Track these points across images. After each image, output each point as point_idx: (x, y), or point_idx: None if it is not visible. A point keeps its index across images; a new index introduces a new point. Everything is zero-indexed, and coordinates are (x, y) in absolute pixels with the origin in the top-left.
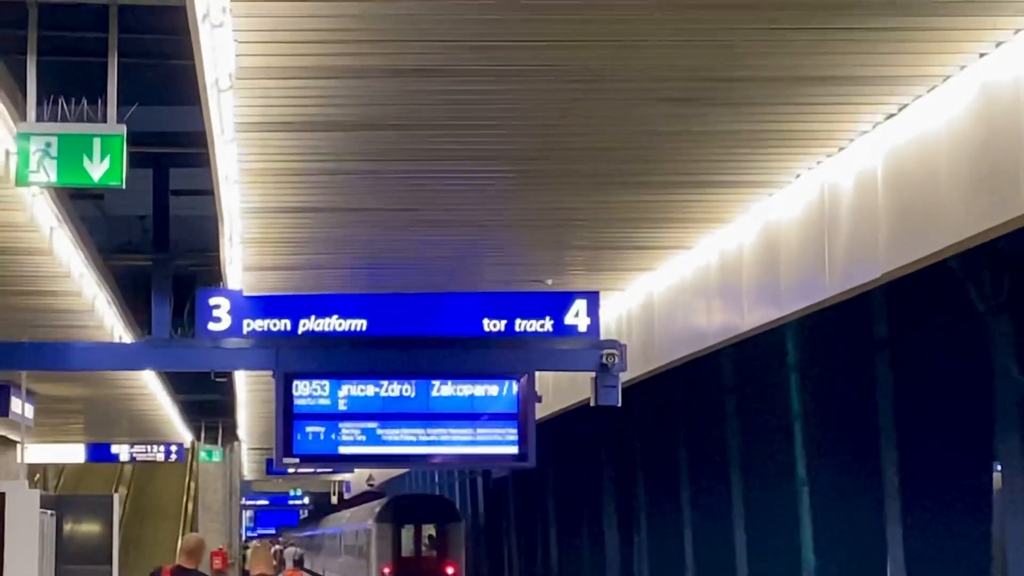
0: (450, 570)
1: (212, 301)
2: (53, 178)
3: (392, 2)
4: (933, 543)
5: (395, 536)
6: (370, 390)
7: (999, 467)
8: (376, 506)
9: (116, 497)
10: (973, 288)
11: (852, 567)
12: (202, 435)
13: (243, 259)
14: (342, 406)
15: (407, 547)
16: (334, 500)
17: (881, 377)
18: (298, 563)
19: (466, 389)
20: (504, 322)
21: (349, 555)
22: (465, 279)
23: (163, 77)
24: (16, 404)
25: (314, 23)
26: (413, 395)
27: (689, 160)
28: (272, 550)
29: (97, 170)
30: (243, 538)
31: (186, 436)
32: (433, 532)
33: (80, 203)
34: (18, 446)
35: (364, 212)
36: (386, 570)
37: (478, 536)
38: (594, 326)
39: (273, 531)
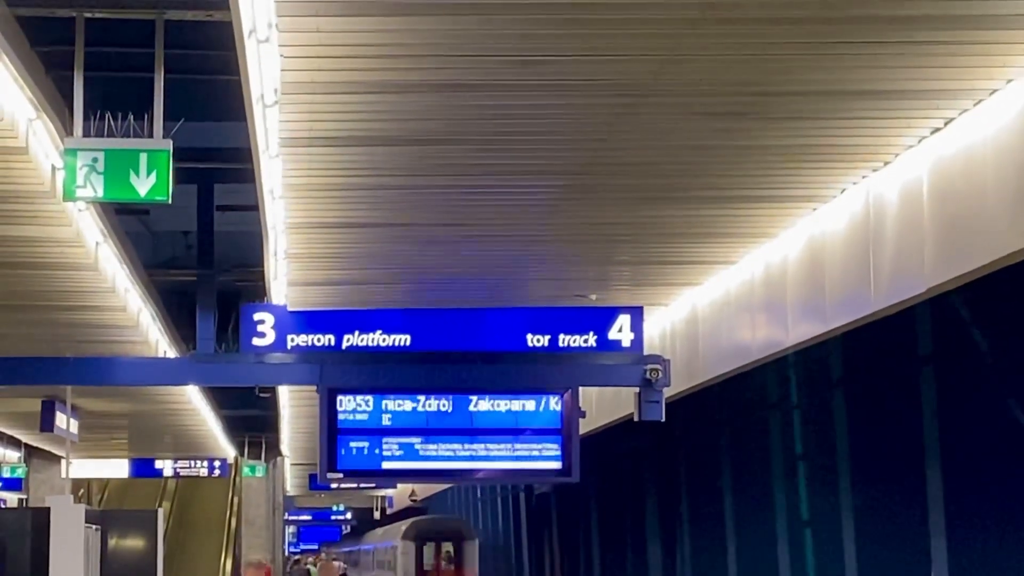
0: None
1: (256, 316)
2: (100, 193)
3: (437, 16)
4: (977, 557)
5: (418, 552)
6: (414, 405)
7: None
8: (402, 526)
9: (160, 512)
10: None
11: None
12: (245, 450)
13: (287, 274)
14: (386, 421)
15: (428, 562)
16: (376, 515)
17: (925, 393)
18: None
19: (509, 404)
20: (548, 337)
21: (380, 569)
22: (509, 294)
23: (209, 92)
24: (61, 419)
25: (359, 38)
26: (456, 410)
27: (734, 175)
28: (337, 567)
29: (143, 185)
30: (286, 553)
31: (229, 451)
32: (451, 549)
33: (125, 218)
34: (63, 461)
35: (408, 227)
36: None
37: (520, 551)
38: (638, 341)
39: (316, 547)
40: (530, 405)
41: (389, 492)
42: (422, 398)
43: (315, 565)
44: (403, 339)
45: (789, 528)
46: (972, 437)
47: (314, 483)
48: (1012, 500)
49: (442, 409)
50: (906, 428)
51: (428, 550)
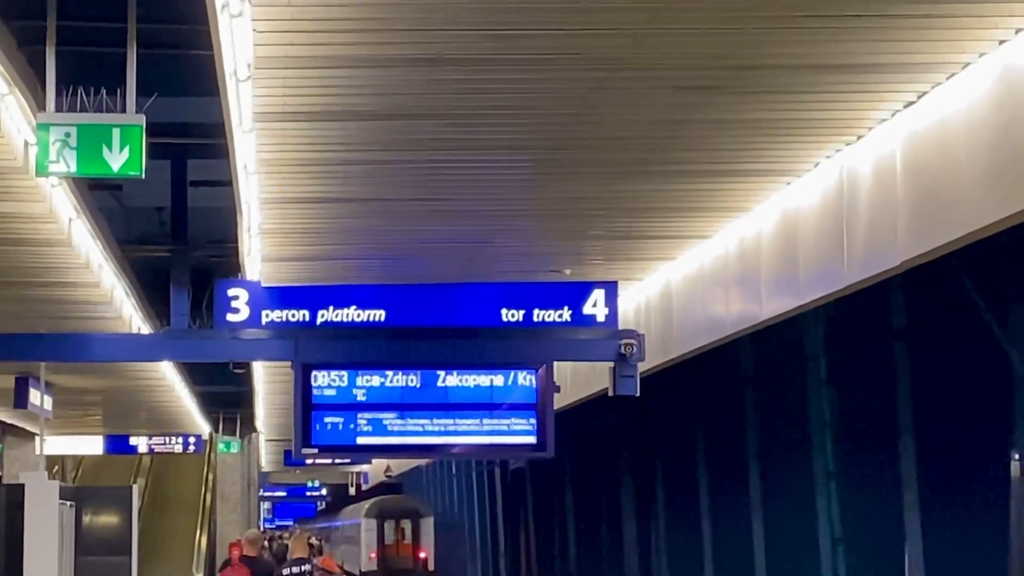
0: (422, 554)
1: (231, 292)
2: (73, 168)
3: None
4: (951, 531)
5: (380, 529)
6: (388, 380)
7: (1016, 456)
8: (366, 505)
9: (135, 488)
10: (992, 276)
11: (870, 557)
12: (220, 427)
13: (261, 250)
14: (360, 397)
15: (389, 537)
16: (352, 492)
17: (899, 367)
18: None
19: (484, 379)
20: (522, 312)
21: (347, 543)
22: (483, 269)
23: (182, 68)
24: (35, 396)
25: (333, 12)
26: (430, 386)
27: (708, 149)
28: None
29: (116, 160)
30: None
31: (204, 428)
32: (408, 525)
33: (98, 194)
34: (37, 438)
35: (382, 202)
36: (372, 555)
37: (495, 526)
38: (612, 316)
39: (291, 522)
40: (505, 380)
41: (364, 468)
42: (397, 374)
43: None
44: (378, 314)
45: (763, 501)
46: (946, 409)
47: (289, 459)
48: (985, 471)
49: (416, 384)
50: (881, 401)
51: (388, 526)
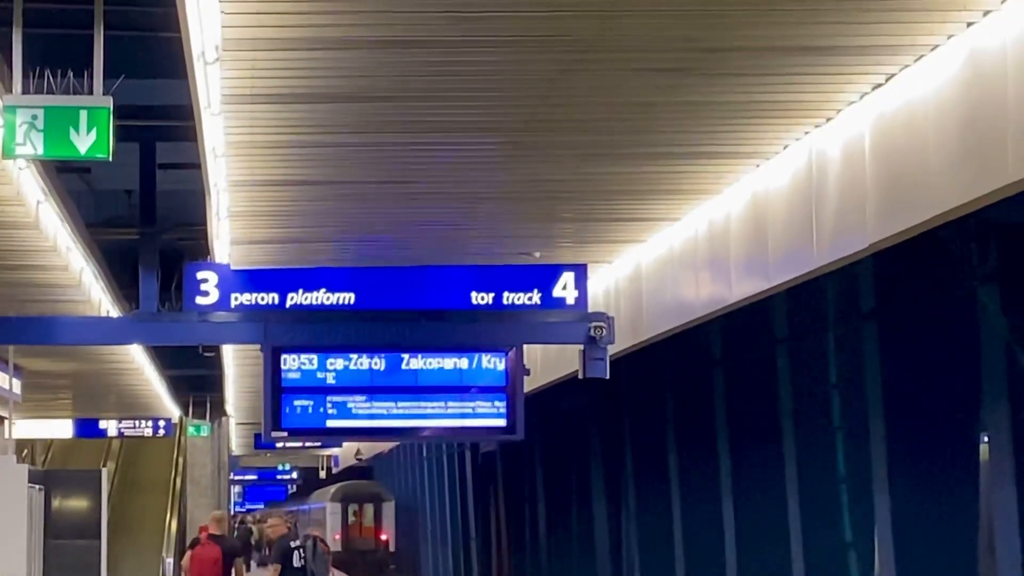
0: (383, 536)
1: (200, 275)
2: (40, 151)
3: None
4: (920, 513)
5: (344, 512)
6: (358, 363)
7: (986, 438)
8: (331, 490)
9: (104, 472)
10: (961, 258)
11: (840, 538)
12: (190, 410)
13: (231, 233)
14: (330, 380)
15: (352, 520)
16: (322, 475)
17: (867, 348)
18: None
19: (454, 362)
20: (492, 295)
21: (315, 525)
22: (453, 252)
23: (150, 50)
24: (3, 379)
25: None
26: (401, 368)
27: (677, 131)
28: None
29: (84, 142)
30: (232, 513)
31: (174, 411)
32: (371, 509)
33: (67, 177)
34: (6, 421)
35: (351, 185)
36: (337, 536)
37: (466, 508)
38: (582, 299)
39: (262, 506)
40: (474, 363)
41: (335, 451)
42: (366, 356)
43: (255, 524)
44: (347, 297)
45: (733, 482)
46: (914, 390)
47: (259, 442)
48: (953, 451)
49: (386, 367)
50: (849, 382)
51: (352, 510)
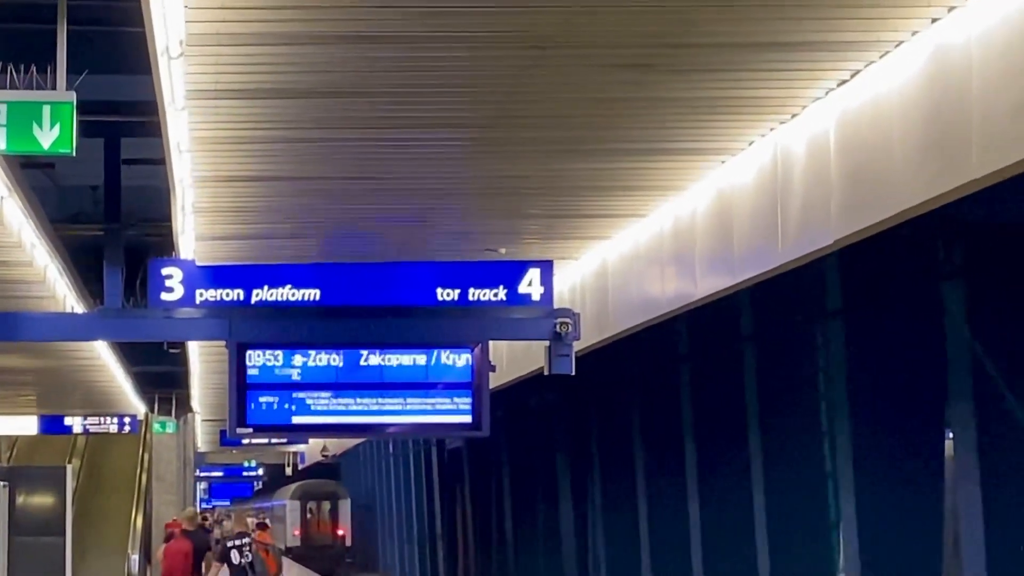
0: (340, 531)
1: (165, 271)
2: (2, 146)
3: None
4: (886, 510)
5: (303, 509)
6: (323, 360)
7: (951, 435)
8: (291, 488)
9: (69, 469)
10: (926, 254)
11: (805, 537)
12: (156, 407)
13: (196, 229)
14: (295, 376)
15: (310, 516)
16: (288, 471)
17: (833, 346)
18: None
19: (419, 359)
20: (457, 291)
21: (275, 522)
22: (418, 248)
23: (113, 45)
24: None
25: None
26: (366, 365)
27: (643, 127)
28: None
29: (47, 138)
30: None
31: (140, 408)
32: (328, 506)
33: (31, 172)
34: None
35: (316, 180)
36: (296, 532)
37: (432, 504)
38: (548, 295)
39: (228, 503)
40: (440, 359)
41: (301, 448)
42: (332, 353)
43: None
44: (313, 293)
45: (699, 478)
46: (879, 387)
47: (225, 439)
48: (918, 448)
49: (352, 364)
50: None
51: (311, 507)
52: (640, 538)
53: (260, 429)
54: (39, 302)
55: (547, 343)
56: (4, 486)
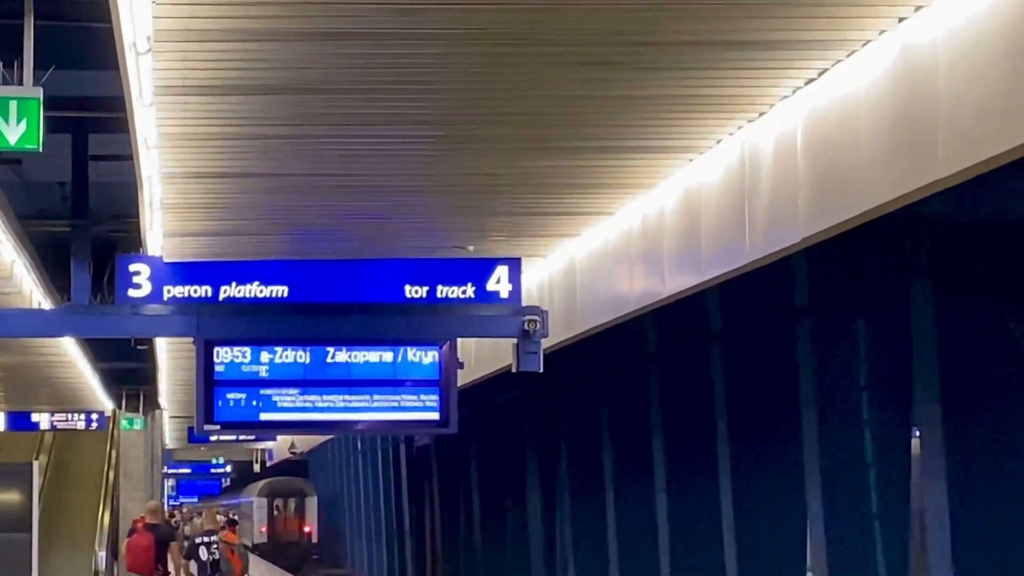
0: (306, 528)
1: (132, 267)
2: None
3: None
4: (853, 509)
5: (270, 506)
6: (291, 356)
7: (917, 433)
8: (258, 485)
9: (36, 465)
10: (893, 253)
11: (773, 534)
12: (123, 403)
13: (163, 225)
14: (263, 373)
15: (278, 513)
16: (256, 468)
17: (801, 344)
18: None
19: (387, 356)
20: (426, 288)
21: (243, 519)
22: (387, 245)
23: (81, 40)
24: None
25: None
26: (334, 362)
27: (611, 125)
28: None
29: (13, 133)
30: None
31: (107, 404)
32: (294, 503)
33: None
34: None
35: (285, 177)
36: (263, 528)
37: (400, 502)
38: (516, 292)
39: (196, 499)
40: (408, 356)
41: (269, 445)
42: (299, 350)
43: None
44: (281, 290)
45: (667, 477)
46: (846, 385)
47: (192, 436)
48: (885, 447)
49: (319, 361)
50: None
51: (278, 504)
52: (608, 534)
53: (228, 426)
54: (5, 298)
55: (515, 340)
56: None
